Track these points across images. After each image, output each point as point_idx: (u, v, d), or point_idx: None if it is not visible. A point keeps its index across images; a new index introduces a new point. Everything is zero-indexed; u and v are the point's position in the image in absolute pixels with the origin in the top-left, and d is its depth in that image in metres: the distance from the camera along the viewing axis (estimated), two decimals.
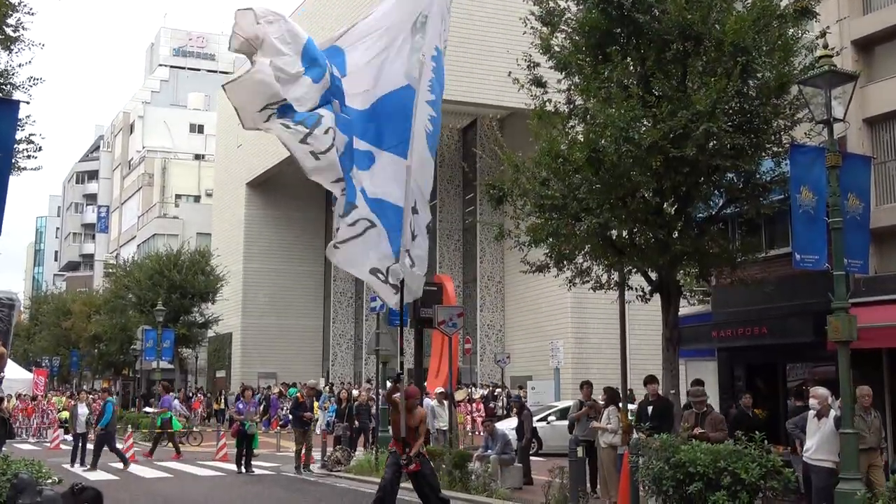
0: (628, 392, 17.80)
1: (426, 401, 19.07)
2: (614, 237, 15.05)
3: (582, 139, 14.22)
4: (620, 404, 14.36)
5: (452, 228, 45.13)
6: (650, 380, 14.01)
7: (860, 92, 14.39)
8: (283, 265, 50.36)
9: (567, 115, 15.20)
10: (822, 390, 11.11)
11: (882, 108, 15.04)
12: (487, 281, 42.28)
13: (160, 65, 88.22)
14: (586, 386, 15.40)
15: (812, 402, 11.06)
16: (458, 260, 44.73)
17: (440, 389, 21.30)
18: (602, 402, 14.13)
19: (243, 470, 19.14)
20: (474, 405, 29.67)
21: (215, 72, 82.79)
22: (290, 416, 21.81)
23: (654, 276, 15.26)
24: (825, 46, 11.68)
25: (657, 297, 15.43)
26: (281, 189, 48.98)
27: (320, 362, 51.03)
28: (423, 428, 12.13)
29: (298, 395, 23.35)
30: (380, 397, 20.48)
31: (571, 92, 15.15)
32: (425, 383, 21.83)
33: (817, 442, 10.71)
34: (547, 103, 15.26)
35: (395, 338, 18.42)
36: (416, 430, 11.70)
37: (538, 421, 21.21)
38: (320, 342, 51.65)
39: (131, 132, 79.90)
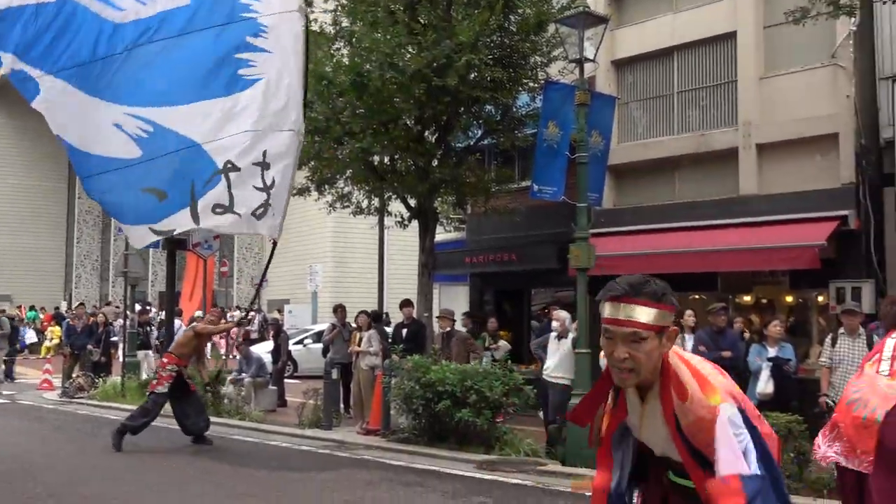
0: (384, 315, 18.23)
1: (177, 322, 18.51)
2: (376, 163, 15.15)
3: (347, 62, 14.09)
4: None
5: None
6: (405, 303, 14.36)
7: (610, 35, 15.25)
8: (22, 180, 46.38)
9: (333, 36, 14.98)
10: (562, 313, 11.77)
11: (628, 52, 16.06)
12: None
13: None
14: (340, 309, 15.54)
15: (553, 324, 11.72)
16: None
17: (198, 313, 20.72)
18: (355, 326, 14.34)
19: None
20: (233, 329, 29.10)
21: None
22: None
23: (413, 202, 15.54)
24: None
25: (415, 224, 15.74)
26: (19, 94, 44.74)
27: (62, 284, 47.90)
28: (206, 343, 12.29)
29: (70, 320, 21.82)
30: (128, 321, 19.61)
31: (338, 13, 14.92)
32: (178, 307, 21.15)
33: (556, 361, 11.33)
34: (312, 23, 14.93)
35: (145, 259, 17.59)
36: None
37: (294, 344, 21.21)
38: (62, 263, 48.40)
39: None
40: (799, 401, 10.16)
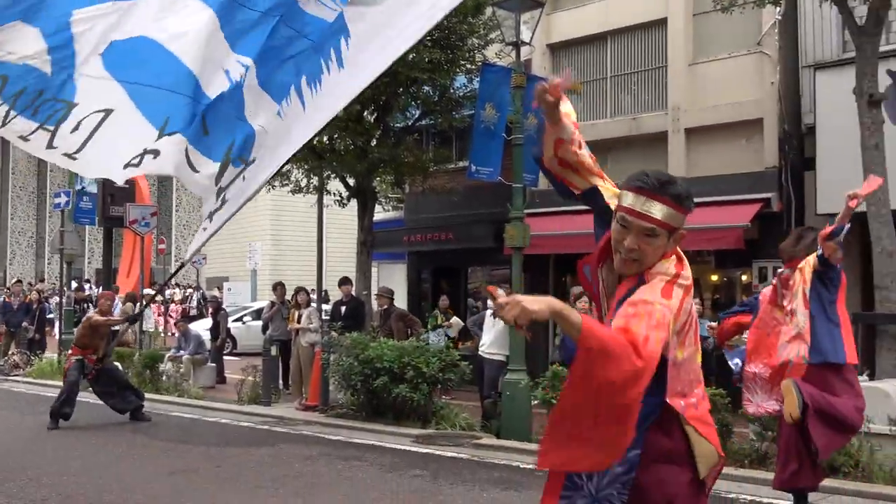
0: (323, 293, 18.15)
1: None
2: (315, 142, 15.01)
3: None
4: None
5: None
6: (344, 281, 14.31)
7: (545, 19, 15.37)
8: None
9: None
10: (498, 291, 11.87)
11: (563, 36, 16.18)
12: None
13: None
14: (279, 287, 15.46)
15: (490, 301, 11.80)
16: None
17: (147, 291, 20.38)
18: (294, 303, 14.29)
19: None
20: (171, 306, 28.68)
21: None
22: None
23: (352, 181, 15.45)
24: None
25: (354, 203, 15.67)
26: None
27: None
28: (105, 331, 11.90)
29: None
30: (64, 298, 19.21)
31: None
32: (115, 284, 20.77)
33: (492, 338, 11.40)
34: None
35: (82, 236, 17.20)
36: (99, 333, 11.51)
37: (234, 321, 21.04)
38: None
39: None
40: (719, 375, 10.45)
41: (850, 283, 11.43)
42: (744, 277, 13.95)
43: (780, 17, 13.04)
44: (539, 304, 2.31)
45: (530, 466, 8.70)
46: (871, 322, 8.86)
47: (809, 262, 5.78)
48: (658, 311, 2.50)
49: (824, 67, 12.06)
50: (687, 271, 2.73)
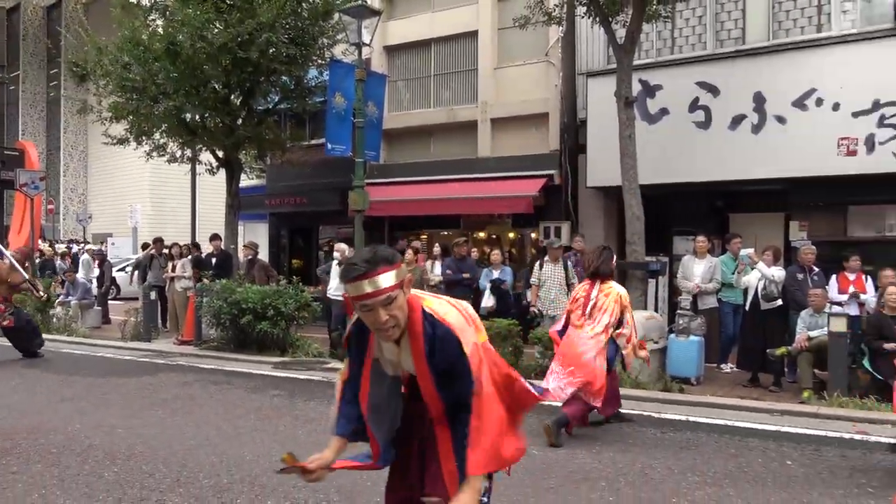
0: (197, 246, 17.35)
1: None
2: (188, 119, 14.24)
3: (162, 32, 13.02)
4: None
5: (36, 99, 38.86)
6: (214, 237, 13.77)
7: (383, 25, 15.16)
8: None
9: (149, 8, 13.74)
10: (342, 245, 11.80)
11: (397, 40, 16.01)
12: (71, 150, 37.43)
13: None
14: (158, 242, 14.66)
15: (335, 253, 11.72)
16: (42, 129, 38.83)
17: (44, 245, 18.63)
18: (177, 255, 13.59)
19: None
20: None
21: None
22: None
23: (220, 154, 14.82)
24: None
25: (223, 171, 15.05)
26: None
27: None
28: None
29: None
30: None
31: None
32: (6, 240, 18.99)
33: (337, 283, 11.28)
34: None
35: None
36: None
37: (117, 271, 19.75)
38: None
39: None
40: (516, 313, 10.82)
41: (610, 239, 12.16)
42: (533, 235, 14.48)
43: (562, 34, 13.44)
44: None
45: None
46: (623, 268, 9.43)
47: (620, 296, 6.29)
48: (481, 349, 2.47)
49: (594, 75, 12.54)
50: (428, 303, 2.49)
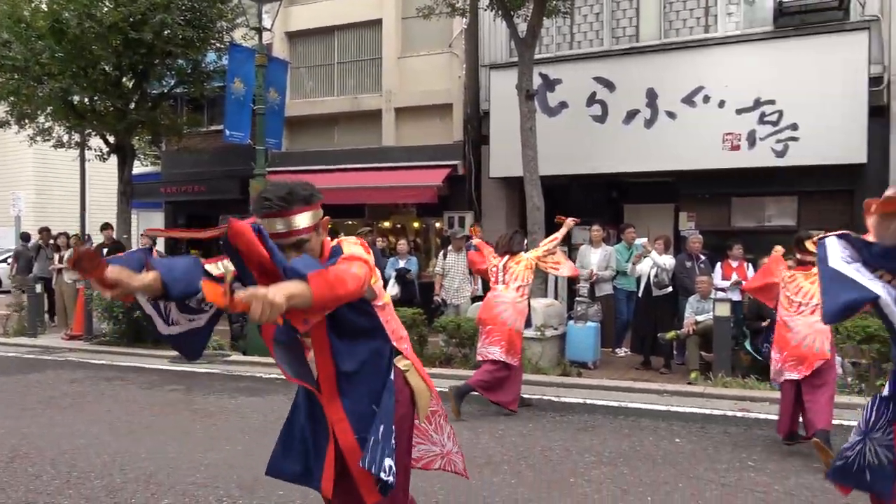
0: (87, 236, 16.48)
1: None
2: (76, 102, 13.47)
3: (46, 8, 12.21)
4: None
5: None
6: (106, 226, 13.10)
7: (284, 10, 14.78)
8: None
9: None
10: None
11: (299, 27, 15.66)
12: None
13: None
14: (44, 231, 13.82)
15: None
16: None
17: None
18: (64, 246, 12.83)
19: None
20: None
21: None
22: None
23: (112, 139, 14.11)
24: None
25: (115, 158, 14.34)
26: None
27: None
28: None
29: None
30: None
31: None
32: None
33: None
34: None
35: None
36: None
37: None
38: None
39: None
40: (420, 302, 10.88)
41: (511, 229, 12.36)
42: (437, 224, 14.56)
43: (465, 26, 13.53)
44: (277, 296, 1.86)
45: (272, 376, 8.59)
46: None
47: (528, 259, 6.74)
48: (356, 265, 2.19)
49: (496, 68, 12.70)
50: (347, 248, 2.31)
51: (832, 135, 10.08)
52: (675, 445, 5.70)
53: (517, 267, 6.73)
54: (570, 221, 6.94)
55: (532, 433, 6.06)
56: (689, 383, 7.99)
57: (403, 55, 14.57)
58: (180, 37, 12.49)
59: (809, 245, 5.14)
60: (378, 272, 2.47)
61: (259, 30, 10.92)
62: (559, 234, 6.88)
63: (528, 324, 7.13)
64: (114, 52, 12.17)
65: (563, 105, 11.94)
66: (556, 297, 10.77)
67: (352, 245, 2.32)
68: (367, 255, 2.29)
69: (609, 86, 11.62)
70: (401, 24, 14.59)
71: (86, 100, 13.40)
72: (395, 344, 2.47)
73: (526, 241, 7.30)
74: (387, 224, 15.36)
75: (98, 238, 13.96)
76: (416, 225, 15.27)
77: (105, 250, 12.71)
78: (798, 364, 5.38)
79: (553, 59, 12.29)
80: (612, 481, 4.78)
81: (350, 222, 15.13)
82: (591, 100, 11.72)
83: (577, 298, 9.66)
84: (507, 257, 6.81)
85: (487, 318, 6.72)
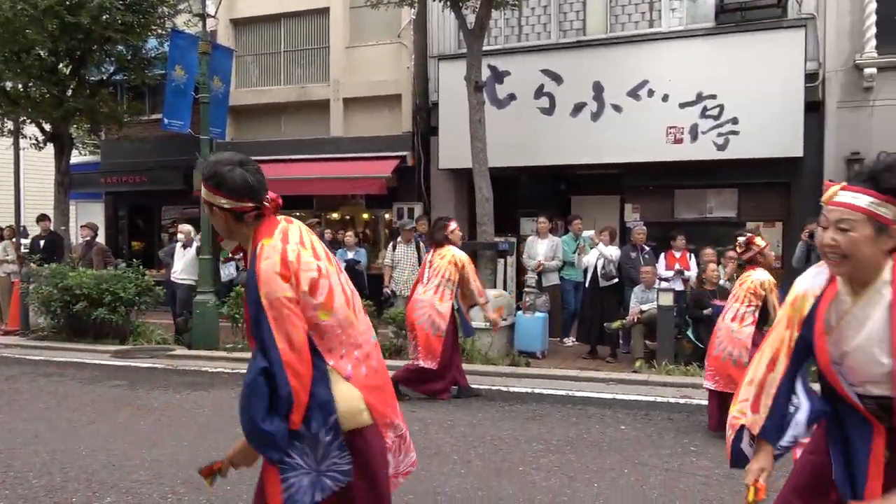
0: (22, 228, 15.90)
1: None
2: (9, 88, 12.94)
3: None
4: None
5: None
6: (42, 218, 12.68)
7: None
8: None
9: None
10: (186, 226, 11.22)
11: (245, 14, 15.31)
12: None
13: None
14: None
15: (179, 235, 11.15)
16: None
17: None
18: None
19: None
20: None
21: None
22: None
23: (48, 127, 13.60)
24: None
25: (52, 146, 13.83)
26: None
27: None
28: None
29: None
30: None
31: None
32: None
33: (182, 265, 10.85)
34: None
35: None
36: None
37: None
38: None
39: None
40: (370, 294, 10.82)
41: (461, 220, 12.41)
42: (387, 216, 14.49)
43: (414, 17, 13.44)
44: (247, 451, 2.21)
45: (218, 370, 8.44)
46: (473, 248, 9.67)
47: (456, 258, 6.76)
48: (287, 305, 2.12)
49: (445, 59, 12.68)
50: (271, 241, 2.20)
51: (770, 129, 10.39)
52: (620, 432, 5.82)
53: (440, 262, 6.69)
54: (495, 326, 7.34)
55: (481, 423, 6.10)
56: (634, 371, 8.16)
57: (351, 45, 14.42)
58: (119, 22, 12.10)
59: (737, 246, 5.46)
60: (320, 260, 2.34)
61: (203, 16, 10.65)
62: (488, 313, 7.15)
63: (467, 330, 7.15)
64: (49, 37, 11.72)
65: (512, 97, 12.01)
66: (505, 288, 10.86)
67: (264, 261, 2.14)
68: (279, 281, 2.12)
69: (557, 78, 11.72)
70: (349, 13, 14.43)
71: (19, 86, 12.88)
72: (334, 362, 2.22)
73: (455, 228, 6.99)
74: (335, 215, 15.21)
75: (34, 230, 13.48)
76: (364, 216, 15.16)
77: (42, 242, 12.30)
78: (715, 374, 5.65)
79: (502, 51, 12.33)
80: (560, 469, 4.85)
81: (298, 214, 14.92)
82: (539, 92, 11.81)
83: (526, 289, 9.76)
84: (433, 251, 6.76)
85: (408, 322, 6.85)
